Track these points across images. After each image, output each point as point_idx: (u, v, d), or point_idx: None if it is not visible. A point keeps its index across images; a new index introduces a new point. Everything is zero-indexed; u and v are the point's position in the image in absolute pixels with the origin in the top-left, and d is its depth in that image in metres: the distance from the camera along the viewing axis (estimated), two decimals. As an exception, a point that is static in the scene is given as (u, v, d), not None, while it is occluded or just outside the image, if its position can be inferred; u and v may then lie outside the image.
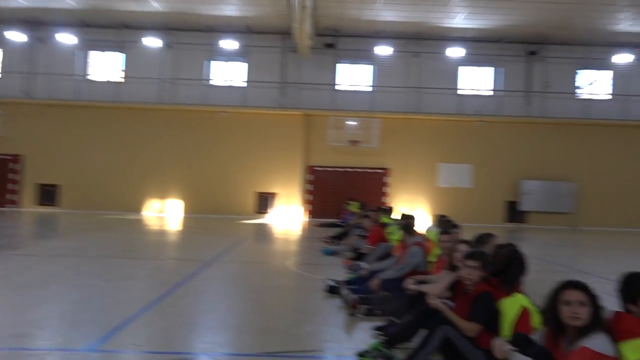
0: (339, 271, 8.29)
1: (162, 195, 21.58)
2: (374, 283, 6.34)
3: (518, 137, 21.91)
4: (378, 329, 4.88)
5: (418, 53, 22.14)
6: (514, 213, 21.11)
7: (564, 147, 21.82)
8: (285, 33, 21.42)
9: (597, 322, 2.84)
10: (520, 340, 3.09)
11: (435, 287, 4.59)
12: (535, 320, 3.93)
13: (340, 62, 22.57)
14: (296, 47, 20.50)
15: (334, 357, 4.34)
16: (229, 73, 22.63)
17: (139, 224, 17.36)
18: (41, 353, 4.09)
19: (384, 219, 10.06)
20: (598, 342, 2.75)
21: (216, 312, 5.76)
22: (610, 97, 22.46)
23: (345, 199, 20.90)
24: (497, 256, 4.53)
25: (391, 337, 4.19)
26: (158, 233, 14.96)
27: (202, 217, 20.50)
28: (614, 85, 22.51)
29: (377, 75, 22.37)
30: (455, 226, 7.27)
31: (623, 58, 22.02)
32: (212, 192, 21.39)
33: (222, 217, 20.62)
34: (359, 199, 20.10)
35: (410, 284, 5.00)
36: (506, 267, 4.25)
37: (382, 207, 12.98)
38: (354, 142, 21.03)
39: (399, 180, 21.83)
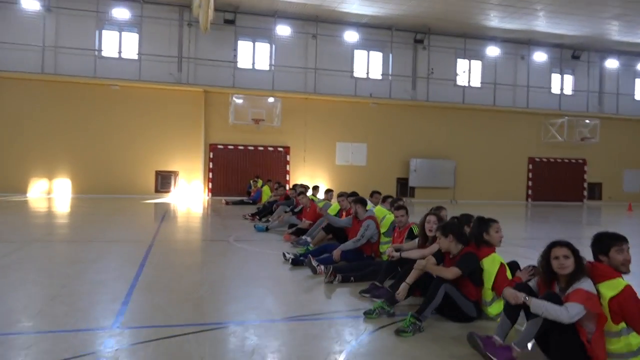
0: (284, 245, 8.74)
1: (49, 174, 19.82)
2: (336, 253, 6.92)
3: (406, 118, 23.76)
4: (364, 291, 5.48)
5: (316, 35, 22.79)
6: (405, 189, 23.01)
7: (446, 129, 24.20)
8: (182, 5, 20.70)
9: (581, 269, 3.71)
10: (523, 288, 3.87)
11: (421, 253, 5.28)
12: (509, 274, 4.84)
13: (241, 39, 22.41)
14: (194, 21, 19.90)
15: (345, 317, 4.80)
16: (121, 44, 21.24)
17: (27, 205, 15.89)
18: (74, 333, 4.04)
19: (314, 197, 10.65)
20: (587, 284, 3.62)
21: (209, 285, 5.91)
22: (480, 85, 25.23)
23: (250, 177, 21.17)
24: (461, 224, 5.37)
25: (391, 297, 4.81)
26: (62, 215, 13.91)
27: (95, 197, 19.28)
28: (484, 74, 25.32)
29: (276, 55, 22.62)
30: (398, 200, 8.15)
31: (492, 50, 24.86)
32: (106, 170, 20.17)
33: (118, 197, 19.60)
34: (265, 177, 20.56)
35: (391, 252, 5.64)
36: (473, 231, 5.09)
37: (315, 185, 13.61)
38: (257, 121, 21.19)
39: (300, 158, 22.55)
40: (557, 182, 25.81)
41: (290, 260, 7.14)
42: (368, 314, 4.69)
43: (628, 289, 3.63)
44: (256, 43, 22.67)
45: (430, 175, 23.44)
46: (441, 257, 4.88)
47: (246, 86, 21.81)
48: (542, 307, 3.57)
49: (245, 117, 21.25)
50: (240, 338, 4.08)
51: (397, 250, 5.68)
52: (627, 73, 27.31)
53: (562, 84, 26.55)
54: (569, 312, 3.49)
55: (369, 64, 23.96)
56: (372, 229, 7.17)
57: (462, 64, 24.98)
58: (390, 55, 23.77)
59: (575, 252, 3.77)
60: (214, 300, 5.26)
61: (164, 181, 21.01)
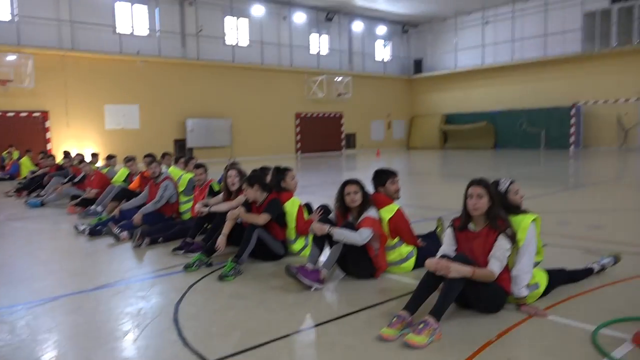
0: (70, 218, 8.11)
1: None
2: (137, 218, 6.81)
3: (178, 78, 23.24)
4: (177, 249, 5.64)
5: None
6: (183, 150, 22.76)
7: (219, 88, 24.51)
8: None
9: (367, 201, 4.59)
10: (326, 221, 4.59)
11: (229, 205, 5.64)
12: (306, 214, 5.59)
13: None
14: None
15: (165, 274, 4.90)
16: None
17: None
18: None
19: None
20: (373, 212, 4.52)
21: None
22: (248, 42, 26.07)
23: (1, 149, 18.21)
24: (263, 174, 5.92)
25: (208, 248, 5.10)
26: None
27: None
28: (251, 32, 26.19)
29: (19, 2, 19.37)
30: (192, 159, 8.30)
31: (257, 9, 25.79)
32: None
33: None
34: (21, 147, 17.92)
35: (200, 208, 5.85)
36: (272, 180, 5.69)
37: (93, 153, 12.59)
38: (4, 82, 18.14)
39: (62, 124, 20.23)
40: (321, 134, 28.79)
41: (86, 232, 6.75)
42: (188, 267, 4.93)
43: (399, 211, 4.68)
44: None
45: (207, 134, 23.66)
46: (249, 206, 5.34)
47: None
48: (342, 234, 4.36)
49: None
50: (65, 311, 3.91)
51: (205, 205, 5.94)
52: (370, 35, 31.47)
53: (320, 44, 29.22)
54: (362, 236, 4.35)
55: (133, 19, 22.45)
56: (171, 189, 7.24)
57: (229, 22, 25.32)
58: (157, 10, 22.69)
59: (362, 188, 4.63)
60: (6, 283, 4.76)
61: None
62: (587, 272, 4.34)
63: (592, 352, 2.97)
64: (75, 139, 20.32)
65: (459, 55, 30.88)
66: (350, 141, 30.77)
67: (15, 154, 17.24)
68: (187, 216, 7.25)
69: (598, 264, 4.45)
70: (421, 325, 3.14)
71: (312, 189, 11.92)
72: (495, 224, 3.58)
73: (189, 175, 7.60)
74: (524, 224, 3.67)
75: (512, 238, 3.56)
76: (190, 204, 7.21)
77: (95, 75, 20.90)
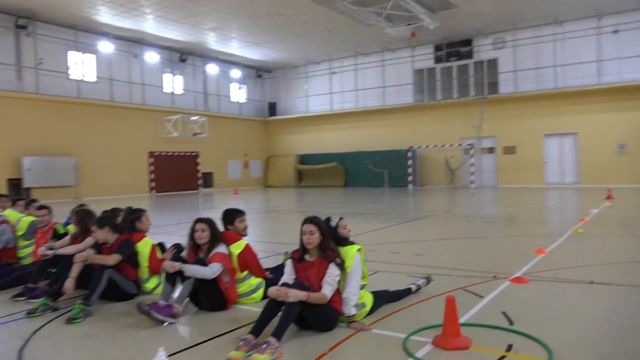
0: None
1: None
2: (-33, 266, 6.27)
3: (14, 112, 21.29)
4: (17, 295, 5.36)
5: None
6: (19, 190, 20.65)
7: (62, 124, 22.92)
8: None
9: (216, 237, 4.95)
10: (178, 259, 4.82)
11: (77, 248, 5.54)
12: (159, 253, 5.74)
13: None
14: None
15: (5, 323, 4.65)
16: None
17: None
18: None
19: None
20: (222, 248, 4.89)
21: None
22: (96, 79, 24.97)
23: None
24: (114, 215, 5.96)
25: (54, 292, 4.97)
26: None
27: None
28: (99, 68, 25.14)
29: None
30: (34, 201, 7.83)
31: (106, 46, 24.93)
32: None
33: None
34: None
35: (44, 251, 5.63)
36: (125, 220, 5.78)
37: None
38: None
39: None
40: (176, 173, 28.27)
41: None
42: (32, 313, 4.76)
43: (247, 246, 5.13)
44: None
45: (48, 173, 21.85)
46: (99, 248, 5.35)
47: None
48: (193, 270, 4.65)
49: None
50: None
51: (50, 248, 5.75)
52: (224, 77, 32.13)
53: (174, 83, 29.05)
54: (212, 270, 4.69)
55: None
56: (8, 233, 6.82)
57: (74, 56, 24.07)
58: (-12, 40, 20.75)
59: (211, 225, 4.99)
60: None
61: None
62: (406, 292, 5.18)
63: (403, 355, 3.66)
64: None
65: (310, 100, 32.95)
66: (207, 180, 30.65)
67: None
68: (27, 261, 6.84)
69: (415, 284, 5.33)
70: (264, 345, 3.57)
71: (167, 228, 11.82)
72: (327, 254, 4.20)
73: (29, 218, 7.20)
74: (350, 253, 4.35)
75: (341, 266, 4.21)
76: (31, 248, 6.84)
77: None
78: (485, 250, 8.22)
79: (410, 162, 28.19)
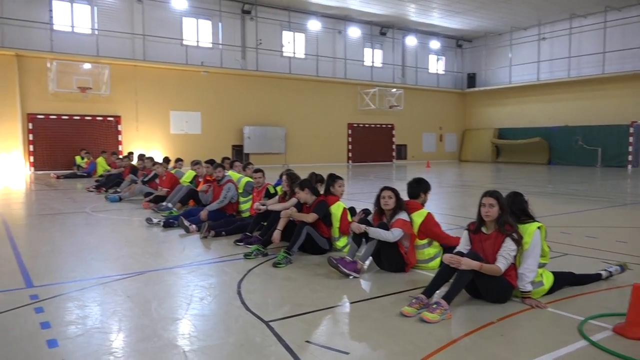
0: (144, 212, 9.31)
1: None
2: (203, 214, 7.85)
3: (238, 87, 24.70)
4: (238, 241, 6.60)
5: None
6: (240, 155, 24.11)
7: (275, 97, 25.80)
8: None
9: (399, 205, 5.35)
10: (364, 222, 5.40)
11: (283, 205, 6.55)
12: (349, 216, 6.40)
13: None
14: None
15: (228, 260, 5.85)
16: None
17: None
18: None
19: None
20: (404, 215, 5.28)
21: (93, 247, 6.31)
22: (304, 56, 27.27)
23: (77, 151, 20.09)
24: (313, 180, 6.78)
25: (264, 241, 6.02)
26: None
27: None
28: (307, 46, 27.36)
29: (99, 18, 21.42)
30: (250, 164, 9.29)
31: (314, 24, 26.94)
32: None
33: None
34: (95, 148, 19.79)
35: (258, 206, 6.80)
36: (324, 184, 6.54)
37: (165, 157, 13.84)
38: (83, 89, 20.08)
39: (132, 128, 22.05)
40: (372, 145, 29.52)
41: (162, 223, 7.85)
42: (247, 256, 5.85)
43: (429, 215, 5.41)
44: (74, 4, 21.14)
45: (263, 141, 24.94)
46: (300, 207, 6.22)
47: (66, 51, 20.40)
48: (376, 232, 5.14)
49: (69, 85, 19.99)
50: (152, 281, 4.90)
51: (263, 204, 6.87)
52: (423, 49, 31.97)
53: (373, 57, 30.04)
54: (393, 234, 5.12)
55: (198, 33, 24.12)
56: (233, 190, 8.25)
57: (287, 36, 26.60)
58: (220, 25, 24.25)
59: (396, 194, 5.40)
60: (104, 260, 5.86)
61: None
62: (595, 277, 4.91)
63: (576, 337, 3.60)
64: (143, 142, 22.07)
65: (513, 70, 30.83)
66: (401, 152, 31.30)
67: (90, 156, 19.09)
68: (245, 214, 8.23)
69: (606, 270, 5.00)
70: (435, 305, 3.89)
71: (359, 195, 12.71)
72: (504, 228, 4.26)
73: (246, 179, 8.61)
74: (530, 230, 4.32)
75: (518, 241, 4.23)
76: (248, 204, 8.20)
77: (162, 84, 22.63)
78: None
79: (631, 139, 24.60)
